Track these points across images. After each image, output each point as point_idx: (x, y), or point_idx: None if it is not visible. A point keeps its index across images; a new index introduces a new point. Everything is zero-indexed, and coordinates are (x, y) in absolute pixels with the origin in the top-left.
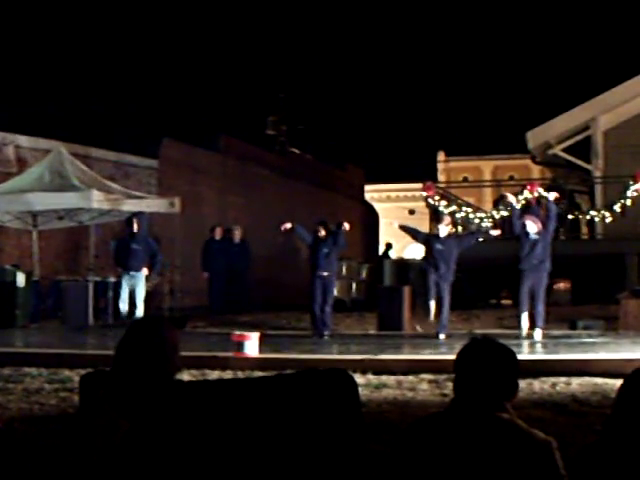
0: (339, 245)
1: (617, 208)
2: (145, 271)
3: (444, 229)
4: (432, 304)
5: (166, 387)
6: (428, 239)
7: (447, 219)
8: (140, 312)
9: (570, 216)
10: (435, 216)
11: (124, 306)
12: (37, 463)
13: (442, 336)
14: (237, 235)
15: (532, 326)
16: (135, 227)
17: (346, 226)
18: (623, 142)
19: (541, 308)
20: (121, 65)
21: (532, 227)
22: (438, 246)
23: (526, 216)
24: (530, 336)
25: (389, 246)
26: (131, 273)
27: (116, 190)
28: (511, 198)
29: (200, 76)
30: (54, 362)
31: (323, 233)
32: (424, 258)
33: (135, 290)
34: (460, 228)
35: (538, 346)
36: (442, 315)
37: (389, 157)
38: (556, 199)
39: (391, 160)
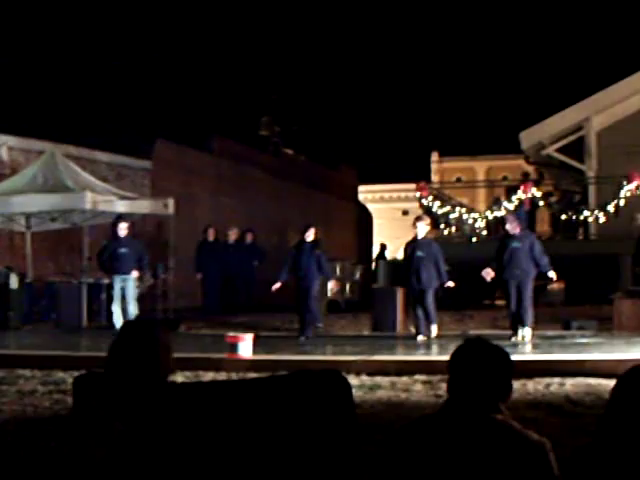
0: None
1: (611, 208)
2: (135, 273)
3: (423, 228)
4: (419, 313)
5: (159, 389)
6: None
7: (427, 218)
8: (135, 313)
9: (564, 216)
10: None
11: (119, 311)
12: (31, 465)
13: (420, 338)
14: (249, 236)
15: (521, 325)
16: (124, 231)
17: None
18: (616, 142)
19: (528, 307)
20: (114, 66)
21: (511, 226)
22: (418, 253)
23: (508, 215)
24: (523, 338)
25: (384, 247)
26: (123, 277)
27: (109, 191)
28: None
29: (193, 77)
30: (48, 364)
31: (312, 238)
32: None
33: (126, 293)
34: (454, 229)
35: (532, 347)
36: (426, 317)
37: (383, 157)
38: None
39: (385, 160)
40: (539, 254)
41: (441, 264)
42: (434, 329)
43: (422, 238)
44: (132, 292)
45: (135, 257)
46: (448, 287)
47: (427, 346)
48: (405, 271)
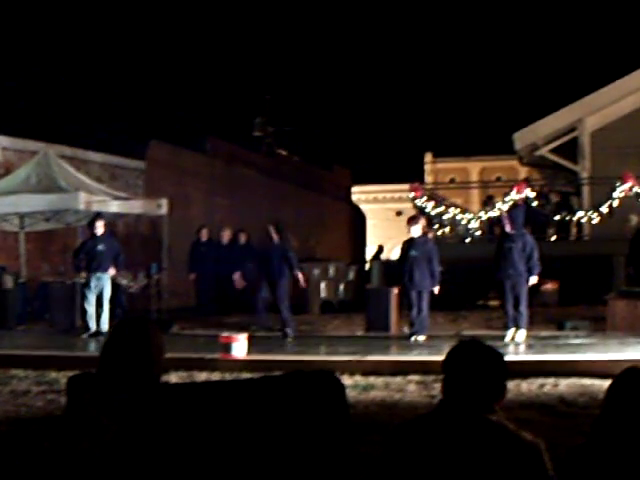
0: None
1: (604, 209)
2: (112, 271)
3: (417, 228)
4: (413, 313)
5: (152, 388)
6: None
7: (422, 218)
8: (106, 314)
9: (557, 217)
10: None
11: (92, 310)
12: (26, 465)
13: (413, 338)
14: (242, 237)
15: (516, 327)
16: (101, 229)
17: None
18: (610, 143)
19: (523, 309)
20: (108, 67)
21: (505, 225)
22: (413, 252)
23: (504, 214)
24: (514, 339)
25: (381, 248)
26: (98, 275)
27: (103, 192)
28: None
29: (187, 78)
30: (41, 364)
31: (275, 236)
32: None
33: (102, 292)
34: (448, 229)
35: (526, 347)
36: (419, 317)
37: (376, 158)
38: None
39: (378, 161)
40: (529, 254)
41: (435, 265)
42: (413, 338)
43: (418, 237)
44: (108, 291)
45: (112, 255)
46: (432, 291)
47: (421, 346)
48: (399, 270)
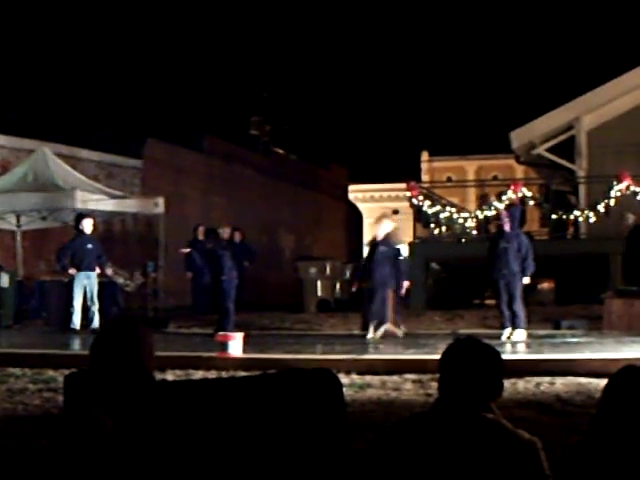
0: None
1: (601, 208)
2: (98, 270)
3: (385, 227)
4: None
5: (147, 385)
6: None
7: (390, 217)
8: (97, 310)
9: (554, 216)
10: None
11: (80, 307)
12: (22, 463)
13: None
14: (237, 236)
15: (513, 327)
16: (91, 227)
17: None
18: (606, 142)
19: (519, 309)
20: (105, 65)
21: (502, 222)
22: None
23: (502, 211)
24: (510, 338)
25: None
26: (88, 273)
27: (100, 190)
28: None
29: (184, 76)
30: (38, 362)
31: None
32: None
33: (92, 291)
34: (444, 228)
35: (522, 346)
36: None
37: (373, 157)
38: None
39: (375, 160)
40: (524, 255)
41: (401, 263)
42: (371, 330)
43: (382, 238)
44: (96, 289)
45: (97, 254)
46: (401, 289)
47: (417, 345)
48: (368, 269)
